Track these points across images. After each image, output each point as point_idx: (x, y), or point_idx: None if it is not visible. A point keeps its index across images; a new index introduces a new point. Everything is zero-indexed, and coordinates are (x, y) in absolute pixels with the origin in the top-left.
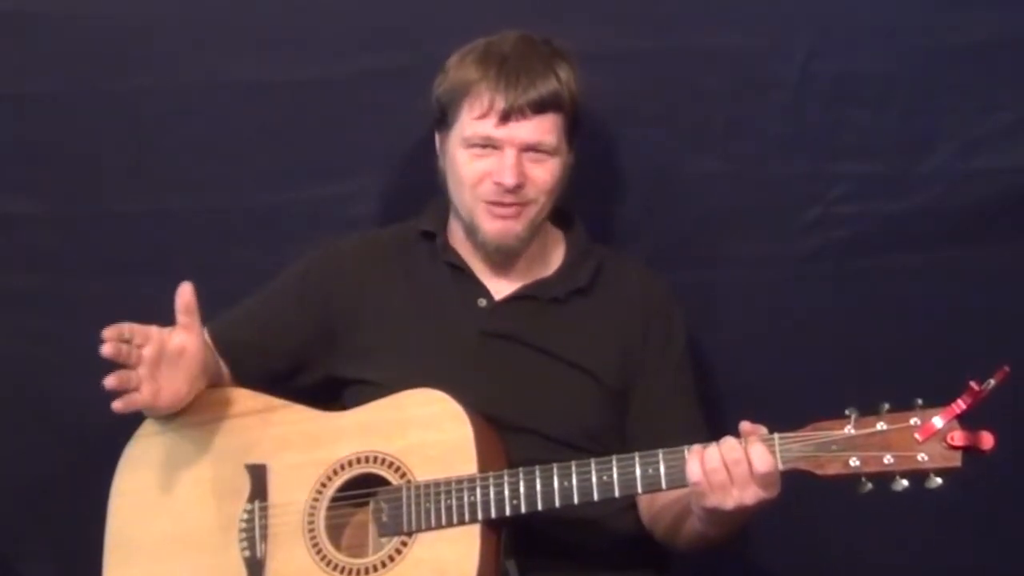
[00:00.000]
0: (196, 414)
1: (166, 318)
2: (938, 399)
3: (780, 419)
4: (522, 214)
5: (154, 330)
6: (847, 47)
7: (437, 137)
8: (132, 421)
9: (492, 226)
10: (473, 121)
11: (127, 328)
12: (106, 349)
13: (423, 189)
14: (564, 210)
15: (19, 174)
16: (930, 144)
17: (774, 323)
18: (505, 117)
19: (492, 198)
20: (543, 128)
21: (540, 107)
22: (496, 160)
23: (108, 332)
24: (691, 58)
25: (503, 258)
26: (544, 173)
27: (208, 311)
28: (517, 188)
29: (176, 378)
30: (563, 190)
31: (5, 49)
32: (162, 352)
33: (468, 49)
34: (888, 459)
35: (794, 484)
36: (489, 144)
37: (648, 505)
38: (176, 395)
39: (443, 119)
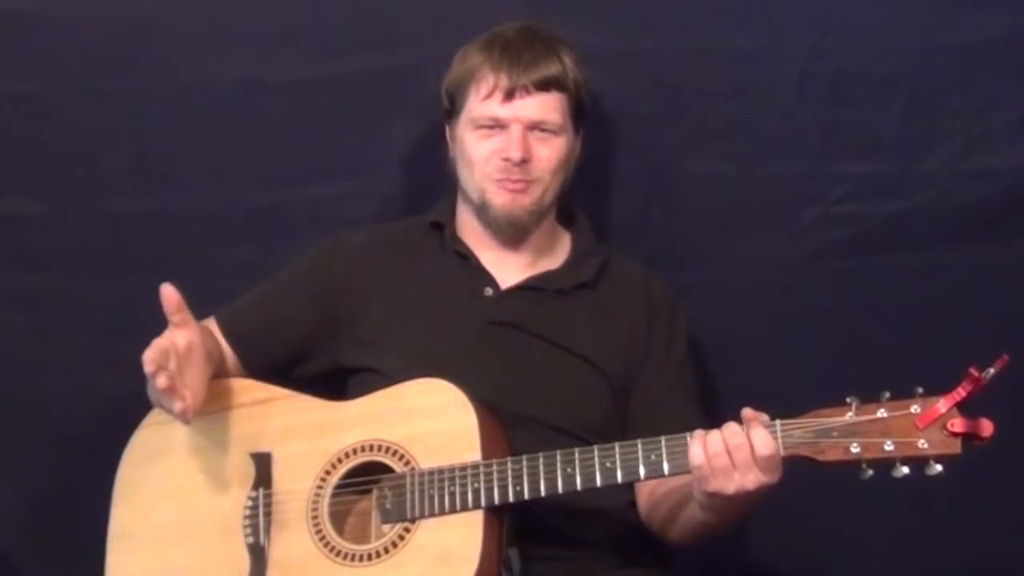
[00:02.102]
0: (202, 404)
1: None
2: (937, 395)
3: (780, 418)
4: (529, 189)
5: (165, 344)
6: (847, 47)
7: (447, 129)
8: (132, 419)
9: (501, 199)
10: (480, 103)
11: (158, 354)
12: (162, 382)
13: (423, 189)
14: (570, 209)
15: (19, 174)
16: (930, 144)
17: (774, 323)
18: (509, 95)
19: (500, 175)
20: (547, 106)
21: (544, 85)
22: (503, 139)
23: (153, 366)
24: (691, 58)
25: (515, 234)
26: (550, 151)
27: (207, 311)
28: (523, 163)
29: (196, 373)
30: (569, 176)
31: (5, 49)
32: (178, 357)
33: (474, 41)
34: (888, 445)
35: (795, 479)
36: (496, 124)
37: (648, 495)
38: (204, 387)
39: (452, 108)
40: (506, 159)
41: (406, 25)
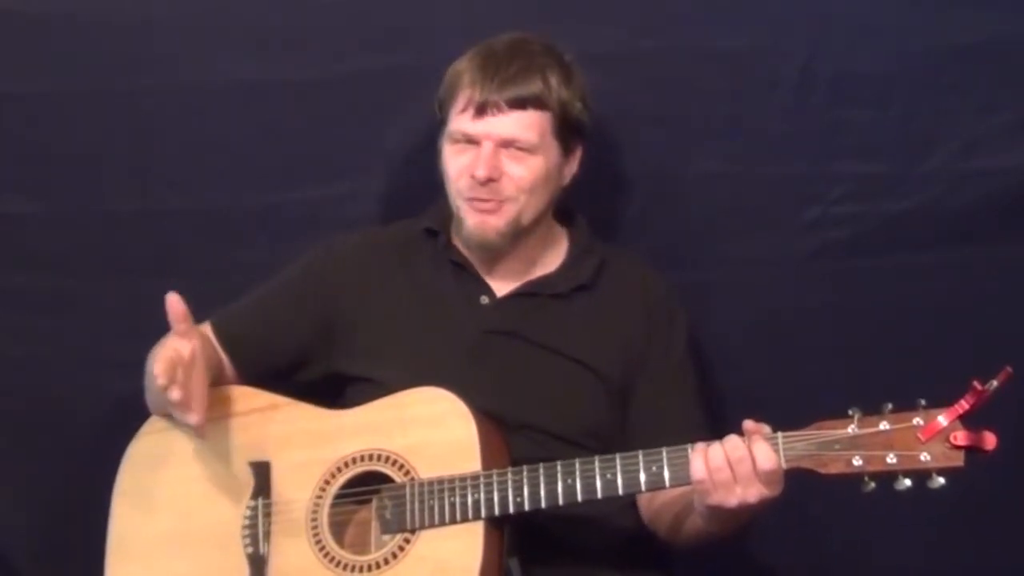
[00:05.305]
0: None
1: (165, 318)
2: (938, 398)
3: (780, 419)
4: (501, 210)
5: (171, 355)
6: (847, 47)
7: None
8: (132, 419)
9: (473, 219)
10: (456, 116)
11: (168, 367)
12: (175, 395)
13: (423, 189)
14: (567, 208)
15: (19, 174)
16: (930, 144)
17: (774, 323)
18: (481, 110)
19: (469, 193)
20: (521, 124)
21: (518, 103)
22: (473, 155)
23: (165, 379)
24: (691, 58)
25: (488, 255)
26: (523, 171)
27: (208, 311)
28: (489, 182)
29: (199, 382)
30: (554, 192)
31: (5, 49)
32: (184, 368)
33: (469, 50)
34: (891, 458)
35: (797, 482)
36: (470, 140)
37: (647, 503)
38: (206, 395)
39: (442, 118)
40: (472, 176)
41: (406, 25)
